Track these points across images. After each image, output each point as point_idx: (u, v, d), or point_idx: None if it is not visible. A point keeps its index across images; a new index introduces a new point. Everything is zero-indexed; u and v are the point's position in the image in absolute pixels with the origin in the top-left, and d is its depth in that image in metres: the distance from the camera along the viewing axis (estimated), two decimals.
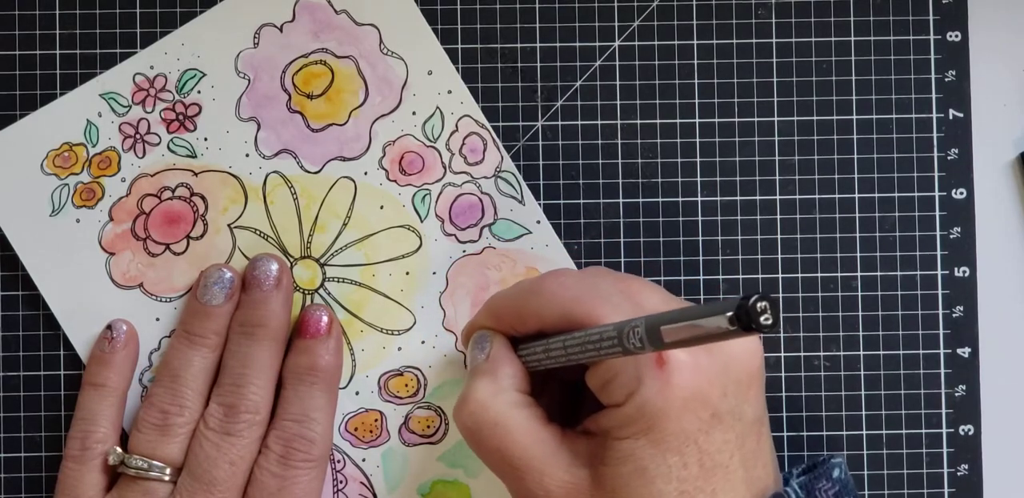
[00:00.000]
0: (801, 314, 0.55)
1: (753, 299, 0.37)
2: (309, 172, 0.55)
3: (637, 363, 0.45)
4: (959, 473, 0.55)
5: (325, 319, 0.54)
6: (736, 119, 0.56)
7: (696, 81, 0.56)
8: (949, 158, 0.56)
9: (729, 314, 0.38)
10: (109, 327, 0.54)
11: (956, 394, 0.56)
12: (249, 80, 0.55)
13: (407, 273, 0.55)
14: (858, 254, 0.56)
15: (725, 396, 0.45)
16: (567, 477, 0.46)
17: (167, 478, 0.52)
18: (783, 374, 0.55)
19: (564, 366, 0.47)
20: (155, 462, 0.52)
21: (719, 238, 0.55)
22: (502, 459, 0.47)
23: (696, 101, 0.56)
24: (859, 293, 0.56)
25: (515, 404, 0.48)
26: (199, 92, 0.55)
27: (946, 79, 0.56)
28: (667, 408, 0.44)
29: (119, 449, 0.52)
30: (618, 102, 0.56)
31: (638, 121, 0.55)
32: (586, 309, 0.46)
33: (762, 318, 0.37)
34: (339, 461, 0.55)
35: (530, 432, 0.47)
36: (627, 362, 0.45)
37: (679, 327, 0.40)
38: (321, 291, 0.55)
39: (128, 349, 0.54)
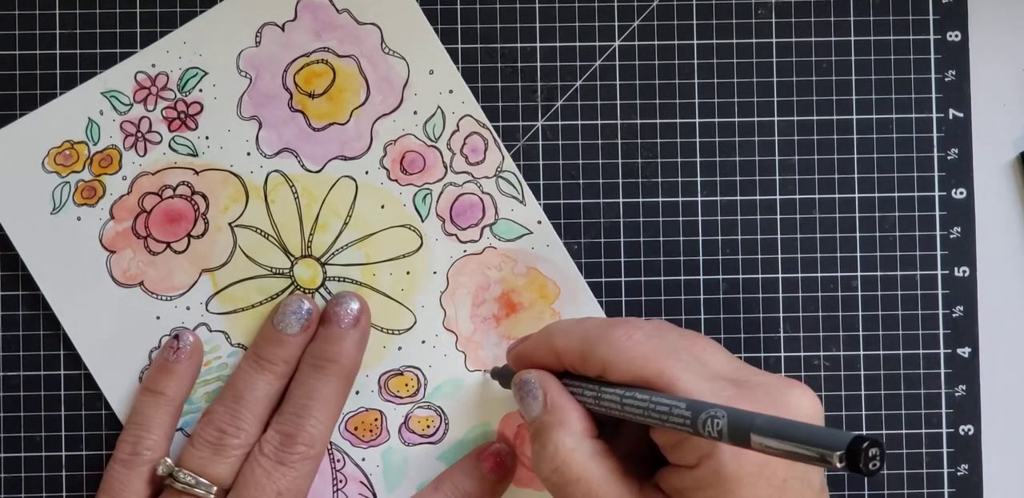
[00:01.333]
0: (801, 314, 0.55)
1: (867, 444, 0.37)
2: (310, 171, 0.55)
3: None
4: (959, 473, 0.55)
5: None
6: (736, 119, 0.56)
7: (696, 81, 0.56)
8: (949, 158, 0.56)
9: (840, 453, 0.38)
10: (176, 336, 0.54)
11: (956, 394, 0.56)
12: (251, 79, 0.55)
13: (408, 273, 0.55)
14: (858, 254, 0.56)
15: (794, 462, 0.45)
16: None
17: (212, 497, 0.52)
18: (783, 374, 0.55)
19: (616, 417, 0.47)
20: (203, 479, 0.52)
21: (719, 238, 0.56)
22: None
23: (696, 101, 0.56)
24: (859, 293, 0.56)
25: (593, 455, 0.47)
26: (200, 90, 0.55)
27: (946, 79, 0.56)
28: (741, 474, 0.44)
29: (169, 460, 0.52)
30: (618, 102, 0.56)
31: (638, 121, 0.56)
32: (658, 368, 0.46)
33: (871, 464, 0.38)
34: (339, 460, 0.55)
35: (612, 487, 0.47)
36: None
37: (770, 439, 0.40)
38: (322, 290, 0.55)
39: (192, 360, 0.54)
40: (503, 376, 0.54)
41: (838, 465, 0.38)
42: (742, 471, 0.44)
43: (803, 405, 0.46)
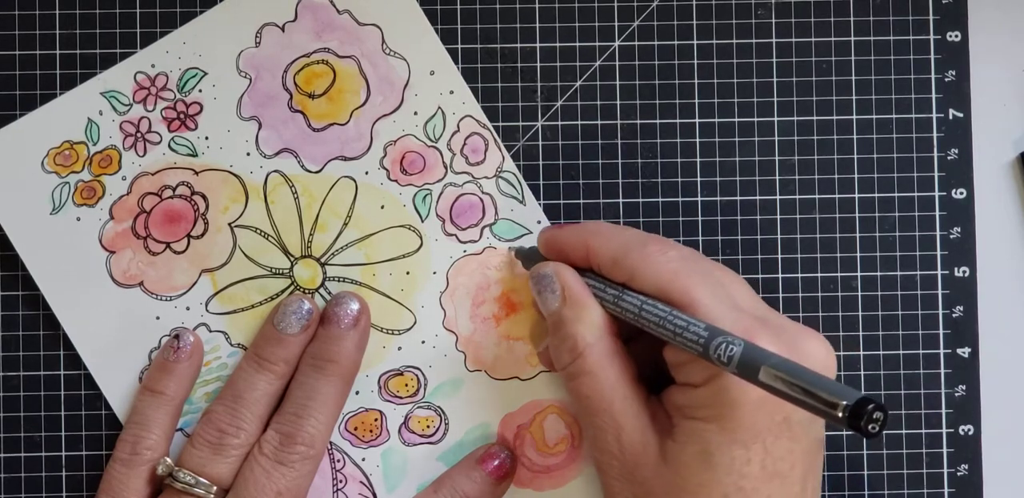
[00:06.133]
0: (801, 314, 0.55)
1: (873, 406, 0.38)
2: (310, 171, 0.55)
3: None
4: (959, 473, 0.55)
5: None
6: (736, 119, 0.56)
7: (696, 81, 0.56)
8: (949, 158, 0.56)
9: (846, 403, 0.38)
10: (176, 336, 0.54)
11: (956, 394, 0.56)
12: (250, 79, 0.55)
13: (407, 273, 0.55)
14: (858, 254, 0.56)
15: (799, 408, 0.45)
16: (640, 439, 0.48)
17: (212, 497, 0.52)
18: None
19: (629, 322, 0.48)
20: (202, 479, 0.52)
21: (719, 238, 0.55)
22: (589, 407, 0.49)
23: (696, 101, 0.56)
24: (859, 293, 0.56)
25: (609, 353, 0.49)
26: (200, 91, 0.55)
27: (946, 79, 0.56)
28: (743, 400, 0.45)
29: (168, 460, 0.52)
30: (618, 102, 0.56)
31: (638, 121, 0.56)
32: (683, 286, 0.47)
33: (869, 426, 0.38)
34: (339, 460, 0.55)
35: (619, 386, 0.48)
36: None
37: (781, 376, 0.40)
38: (321, 290, 0.55)
39: (192, 360, 0.54)
40: (527, 257, 0.54)
41: (840, 415, 0.38)
42: (744, 397, 0.45)
43: (818, 354, 0.46)
